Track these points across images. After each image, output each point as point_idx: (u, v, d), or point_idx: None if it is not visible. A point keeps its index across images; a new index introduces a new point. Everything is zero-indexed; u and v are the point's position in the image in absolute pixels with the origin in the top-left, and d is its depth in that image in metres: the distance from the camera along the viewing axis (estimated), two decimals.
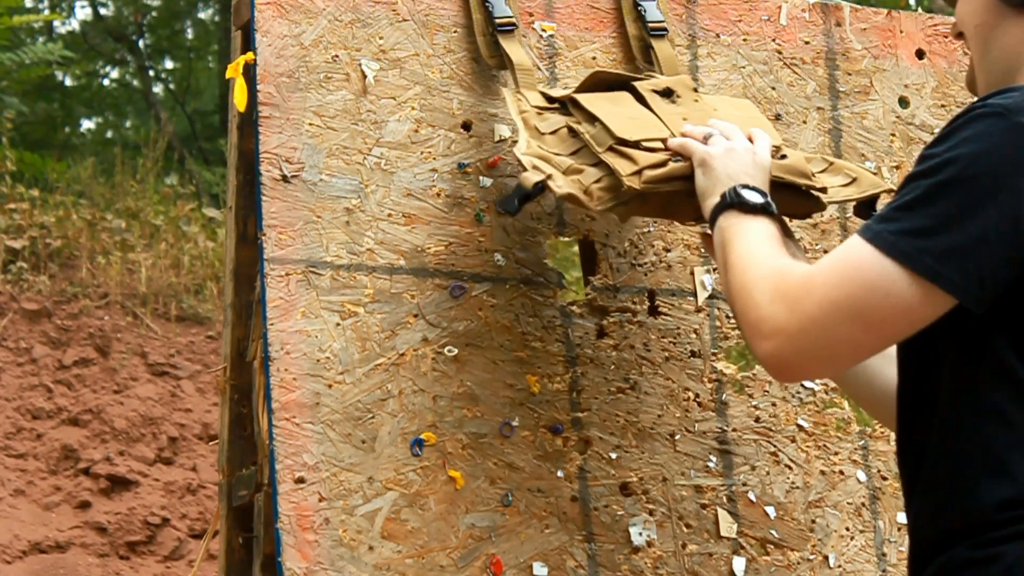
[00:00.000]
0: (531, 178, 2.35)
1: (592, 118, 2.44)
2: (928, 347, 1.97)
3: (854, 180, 2.53)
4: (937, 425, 1.96)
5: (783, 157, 2.43)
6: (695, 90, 2.54)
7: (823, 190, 2.46)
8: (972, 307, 1.88)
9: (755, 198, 2.18)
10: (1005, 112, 1.90)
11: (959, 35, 2.20)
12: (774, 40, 2.89)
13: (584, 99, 2.48)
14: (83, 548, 5.50)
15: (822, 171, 2.55)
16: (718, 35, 2.85)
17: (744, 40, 2.87)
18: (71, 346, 6.35)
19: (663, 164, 2.35)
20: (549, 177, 2.35)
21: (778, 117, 2.85)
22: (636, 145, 2.38)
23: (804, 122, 2.87)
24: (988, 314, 1.90)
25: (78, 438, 5.89)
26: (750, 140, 2.34)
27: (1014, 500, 1.87)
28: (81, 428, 5.95)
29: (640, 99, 2.51)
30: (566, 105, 2.52)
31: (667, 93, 2.52)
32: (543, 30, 2.74)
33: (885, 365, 2.32)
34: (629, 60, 2.77)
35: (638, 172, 2.34)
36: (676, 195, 2.36)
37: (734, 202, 2.18)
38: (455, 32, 2.68)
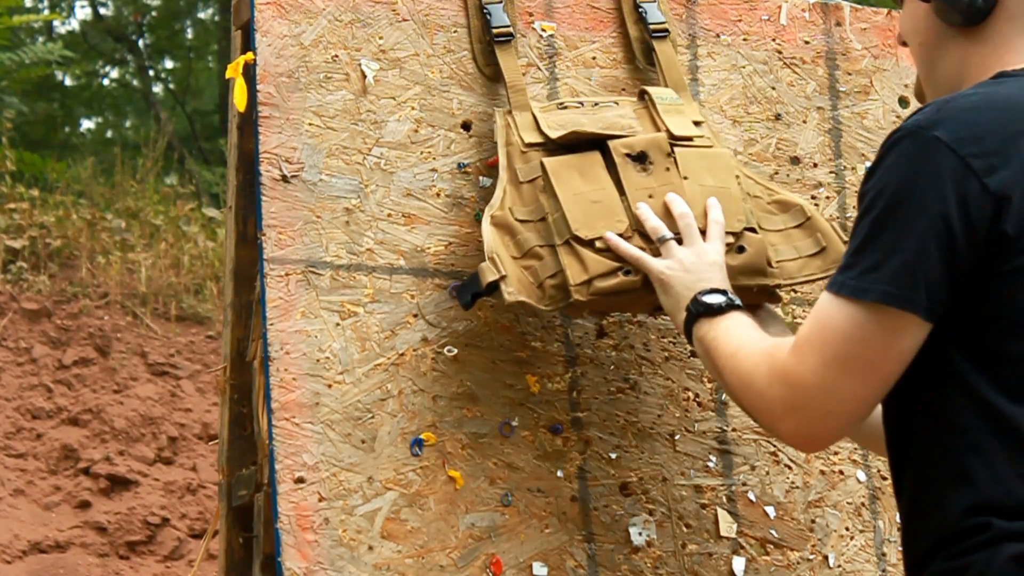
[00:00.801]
0: (487, 276, 2.39)
1: (557, 201, 2.46)
2: (903, 376, 2.02)
3: (823, 250, 2.56)
4: (913, 443, 2.02)
5: (741, 249, 2.47)
6: (669, 154, 2.52)
7: (778, 286, 2.51)
8: (926, 318, 1.95)
9: (717, 300, 2.28)
10: (918, 130, 1.97)
11: (903, 43, 2.26)
12: (774, 40, 2.89)
13: (552, 170, 2.49)
14: (83, 548, 5.50)
15: (797, 225, 2.57)
16: (718, 35, 2.85)
17: (744, 40, 2.87)
18: (71, 346, 6.35)
19: (613, 274, 2.40)
20: (503, 279, 2.39)
21: (778, 117, 2.85)
22: (591, 244, 2.41)
23: (804, 122, 2.87)
24: (942, 328, 1.96)
25: (78, 438, 5.88)
26: (703, 232, 2.41)
27: (977, 505, 1.92)
28: (81, 428, 5.95)
29: (611, 162, 2.51)
30: (548, 140, 2.54)
31: (640, 158, 2.52)
32: (543, 30, 2.74)
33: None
34: (629, 60, 2.77)
35: (587, 283, 2.40)
36: (627, 298, 2.43)
37: (700, 311, 2.27)
38: (455, 32, 2.68)
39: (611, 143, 2.52)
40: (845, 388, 1.98)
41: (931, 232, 1.93)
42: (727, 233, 2.45)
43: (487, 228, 2.45)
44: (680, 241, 2.41)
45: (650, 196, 2.47)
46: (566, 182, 2.47)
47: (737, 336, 2.20)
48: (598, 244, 2.42)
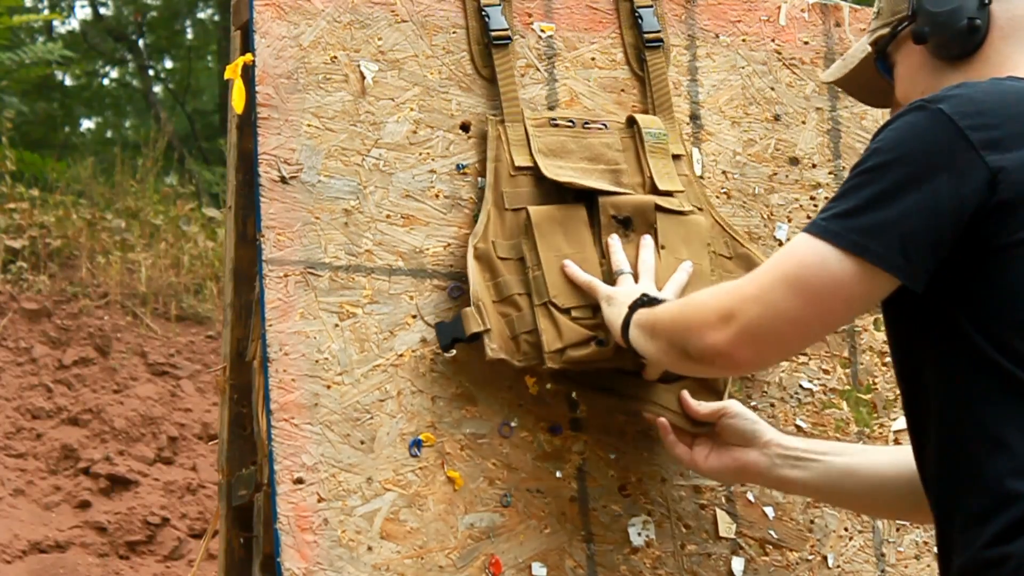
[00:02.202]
0: (471, 325, 2.44)
1: (538, 256, 2.50)
2: (914, 355, 2.06)
3: None
4: (939, 420, 2.04)
5: None
6: (652, 225, 2.56)
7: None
8: (903, 279, 1.99)
9: (659, 296, 2.38)
10: (925, 104, 2.03)
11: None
12: (773, 40, 2.89)
13: (537, 222, 2.52)
14: (83, 548, 5.50)
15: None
16: (717, 35, 2.85)
17: (743, 40, 2.87)
18: (71, 346, 6.35)
19: (587, 344, 2.46)
20: (487, 332, 2.44)
21: (777, 118, 2.85)
22: (567, 312, 2.47)
23: (803, 122, 2.87)
24: (954, 305, 1.99)
25: (78, 438, 5.88)
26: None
27: (1017, 469, 1.95)
28: (81, 428, 5.95)
29: (595, 217, 2.55)
30: (537, 168, 2.57)
31: (626, 223, 2.56)
32: (542, 31, 2.74)
33: (861, 461, 2.44)
34: (628, 62, 2.77)
35: (561, 351, 2.45)
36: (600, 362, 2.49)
37: (642, 302, 2.35)
38: (454, 33, 2.68)
39: (601, 200, 2.57)
40: (786, 308, 2.01)
41: (919, 196, 1.97)
42: None
43: (471, 262, 2.49)
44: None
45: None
46: (549, 240, 2.52)
47: (675, 302, 2.31)
48: (574, 313, 2.47)
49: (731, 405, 2.50)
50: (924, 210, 1.97)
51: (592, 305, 2.48)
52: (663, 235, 2.56)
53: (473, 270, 2.49)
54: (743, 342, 2.06)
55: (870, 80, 2.36)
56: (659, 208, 2.59)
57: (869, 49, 2.33)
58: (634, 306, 2.36)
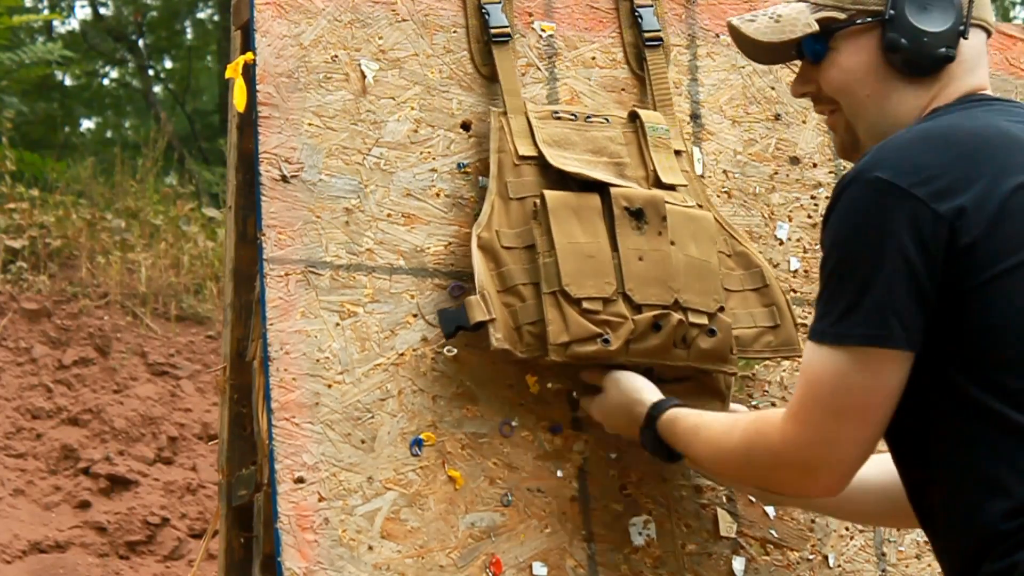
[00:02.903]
0: (475, 314, 2.43)
1: (551, 241, 2.48)
2: (907, 413, 2.07)
3: (776, 327, 2.62)
4: (932, 464, 2.07)
5: (712, 332, 2.53)
6: (664, 218, 2.55)
7: (733, 374, 2.58)
8: (907, 348, 2.01)
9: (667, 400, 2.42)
10: (859, 174, 2.03)
11: (825, 99, 2.26)
12: None
13: (552, 208, 2.51)
14: (83, 548, 5.50)
15: (755, 289, 2.63)
16: (717, 35, 2.85)
17: None
18: (71, 346, 6.34)
19: (592, 340, 2.45)
20: (492, 321, 2.43)
21: (778, 117, 2.85)
22: (578, 303, 2.46)
23: (804, 122, 2.87)
24: (937, 352, 2.01)
25: (78, 438, 5.88)
26: (676, 305, 2.53)
27: (1015, 509, 1.96)
28: (81, 428, 5.95)
29: (608, 208, 2.53)
30: (542, 156, 2.57)
31: (638, 215, 2.54)
32: (542, 30, 2.74)
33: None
34: (627, 61, 2.77)
35: (566, 345, 2.45)
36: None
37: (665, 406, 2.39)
38: (454, 32, 2.68)
39: (613, 192, 2.55)
40: (848, 436, 2.04)
41: (891, 267, 1.98)
42: (701, 313, 2.52)
43: (475, 252, 2.48)
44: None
45: (640, 259, 2.52)
46: (564, 226, 2.50)
47: (704, 423, 2.32)
48: (584, 305, 2.46)
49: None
50: (901, 276, 1.98)
51: (604, 298, 2.47)
52: (673, 230, 2.55)
53: (477, 259, 2.47)
54: (834, 479, 2.09)
55: (784, 47, 2.28)
56: (666, 198, 2.58)
57: (815, 28, 2.22)
58: (651, 415, 2.41)
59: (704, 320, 2.51)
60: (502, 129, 2.58)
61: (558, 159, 2.56)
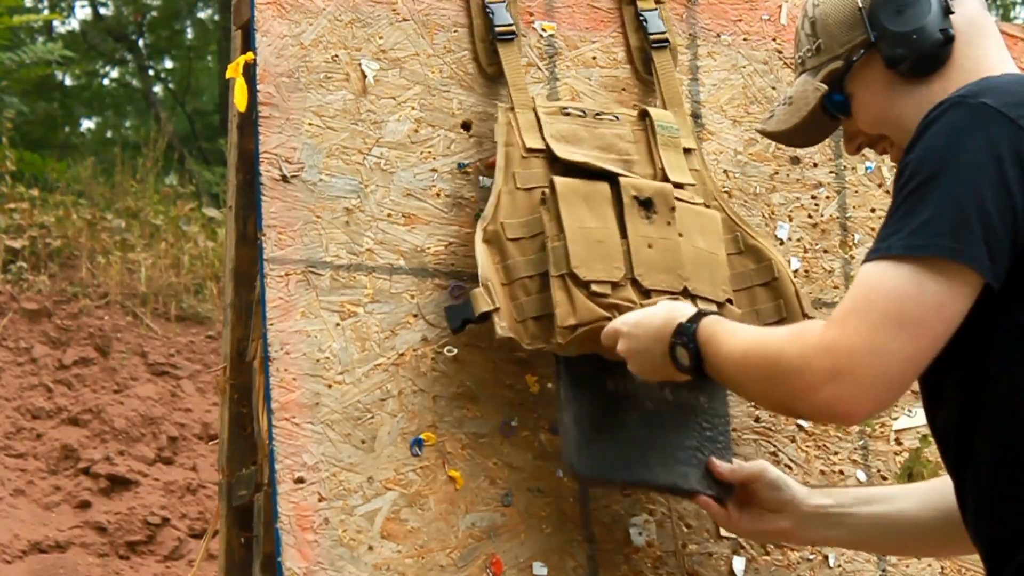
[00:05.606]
0: (480, 305, 2.41)
1: (560, 226, 2.47)
2: (970, 362, 1.98)
3: (781, 320, 2.58)
4: (984, 422, 1.98)
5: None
6: (672, 209, 2.54)
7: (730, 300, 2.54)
8: (991, 279, 1.91)
9: (706, 308, 2.31)
10: (962, 100, 1.98)
11: (872, 143, 2.24)
12: (774, 40, 2.89)
13: (562, 193, 2.50)
14: (83, 548, 5.50)
15: (764, 283, 2.61)
16: (718, 35, 2.85)
17: (744, 40, 2.87)
18: (71, 346, 6.35)
19: (599, 322, 2.41)
20: (496, 311, 2.41)
21: None
22: (586, 286, 2.43)
23: None
24: (1009, 295, 1.92)
25: (78, 438, 5.88)
26: (685, 292, 2.46)
27: None
28: (81, 428, 5.95)
29: (618, 198, 2.52)
30: (550, 150, 2.56)
31: (647, 204, 2.53)
32: (543, 30, 2.74)
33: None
34: (630, 60, 2.77)
35: (572, 328, 2.41)
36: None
37: (698, 315, 2.22)
38: (455, 32, 2.68)
39: (623, 181, 2.54)
40: (898, 349, 1.90)
41: (989, 188, 1.91)
42: (710, 302, 2.49)
43: (479, 246, 2.46)
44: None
45: (649, 246, 2.50)
46: (574, 211, 2.49)
47: (742, 328, 2.18)
48: (593, 288, 2.43)
49: (766, 472, 2.42)
50: (1002, 199, 1.90)
51: (613, 281, 2.45)
52: (681, 222, 2.54)
53: (482, 252, 2.46)
54: (865, 398, 1.93)
55: (814, 122, 2.28)
56: (675, 194, 2.57)
57: (824, 88, 2.23)
58: (696, 317, 2.21)
59: (713, 308, 2.49)
60: (509, 124, 2.57)
61: (566, 153, 2.56)
